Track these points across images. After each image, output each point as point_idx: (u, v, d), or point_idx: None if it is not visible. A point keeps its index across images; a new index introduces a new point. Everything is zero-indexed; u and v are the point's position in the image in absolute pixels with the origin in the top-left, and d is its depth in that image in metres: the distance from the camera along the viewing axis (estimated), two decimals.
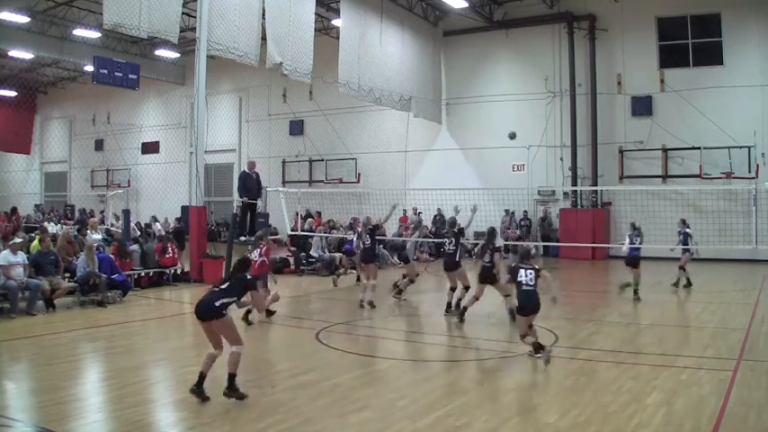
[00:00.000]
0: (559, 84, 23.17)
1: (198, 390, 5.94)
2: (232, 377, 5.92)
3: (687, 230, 13.89)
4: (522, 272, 7.30)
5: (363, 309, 11.40)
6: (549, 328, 9.65)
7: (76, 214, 27.01)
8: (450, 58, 25.40)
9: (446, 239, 11.04)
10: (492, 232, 10.62)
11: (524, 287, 7.26)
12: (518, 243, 14.06)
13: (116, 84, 16.01)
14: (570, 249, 20.88)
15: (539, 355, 7.23)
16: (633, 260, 12.38)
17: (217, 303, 5.91)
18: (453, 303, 10.83)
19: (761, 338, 9.02)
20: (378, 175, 26.20)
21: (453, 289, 10.96)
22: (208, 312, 5.91)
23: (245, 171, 15.53)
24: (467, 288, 10.76)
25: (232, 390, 5.92)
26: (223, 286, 6.09)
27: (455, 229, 11.02)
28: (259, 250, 9.91)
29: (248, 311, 9.54)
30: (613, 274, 17.48)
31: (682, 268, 13.87)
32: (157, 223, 20.88)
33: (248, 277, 6.23)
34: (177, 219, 21.02)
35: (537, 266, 7.51)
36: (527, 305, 7.29)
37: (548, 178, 23.47)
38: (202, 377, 5.96)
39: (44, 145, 37.61)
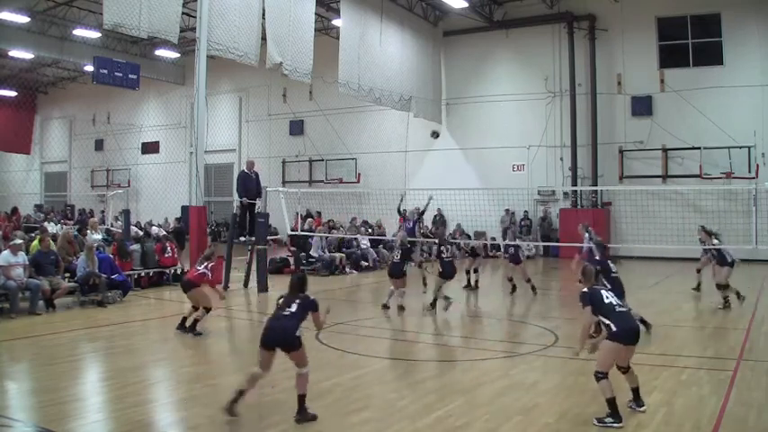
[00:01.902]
0: (559, 84, 23.18)
1: (232, 408, 5.49)
2: (303, 398, 5.53)
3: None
4: (604, 293, 5.77)
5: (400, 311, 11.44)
6: (549, 328, 9.67)
7: (76, 214, 27.03)
8: (450, 58, 25.40)
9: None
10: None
11: (618, 308, 5.66)
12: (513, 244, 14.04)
13: (116, 84, 16.00)
14: (570, 249, 20.85)
15: (611, 424, 5.37)
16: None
17: (297, 333, 5.54)
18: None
19: (761, 338, 9.03)
20: (378, 175, 26.19)
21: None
22: (290, 343, 5.51)
23: (244, 171, 15.49)
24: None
25: (304, 413, 5.49)
26: (292, 310, 5.62)
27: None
28: (206, 264, 9.52)
29: (196, 320, 9.29)
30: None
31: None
32: (154, 227, 20.88)
33: (311, 297, 5.80)
34: (177, 219, 21.02)
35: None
36: (628, 328, 5.56)
37: (548, 178, 23.47)
38: (241, 394, 5.52)
39: (44, 145, 37.62)
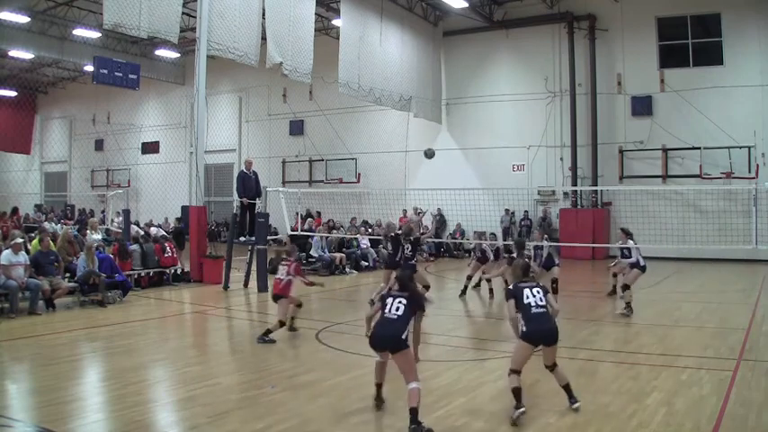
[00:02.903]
0: (559, 84, 23.18)
1: (379, 401, 5.82)
2: (416, 411, 5.29)
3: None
4: (526, 291, 5.81)
5: None
6: None
7: (76, 214, 27.02)
8: (450, 58, 25.40)
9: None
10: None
11: (534, 309, 5.71)
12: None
13: (116, 84, 15.97)
14: (570, 249, 20.90)
15: (518, 410, 5.48)
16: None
17: (403, 336, 5.53)
18: None
19: (761, 338, 9.02)
20: (378, 175, 26.20)
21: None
22: (397, 345, 5.50)
23: (243, 171, 15.50)
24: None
25: (417, 424, 5.26)
26: (399, 313, 5.59)
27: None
28: (286, 268, 8.90)
29: (293, 318, 9.32)
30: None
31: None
32: (152, 228, 20.87)
33: (422, 295, 5.83)
34: (177, 219, 21.01)
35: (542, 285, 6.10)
36: (538, 330, 5.68)
37: (548, 178, 23.47)
38: (380, 387, 5.82)
39: (44, 145, 37.62)
